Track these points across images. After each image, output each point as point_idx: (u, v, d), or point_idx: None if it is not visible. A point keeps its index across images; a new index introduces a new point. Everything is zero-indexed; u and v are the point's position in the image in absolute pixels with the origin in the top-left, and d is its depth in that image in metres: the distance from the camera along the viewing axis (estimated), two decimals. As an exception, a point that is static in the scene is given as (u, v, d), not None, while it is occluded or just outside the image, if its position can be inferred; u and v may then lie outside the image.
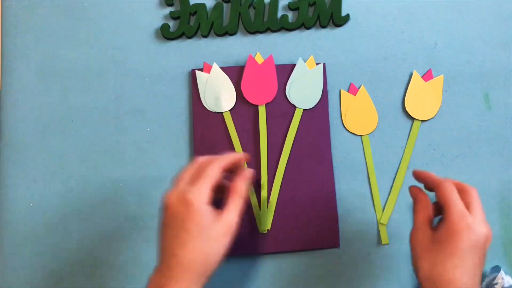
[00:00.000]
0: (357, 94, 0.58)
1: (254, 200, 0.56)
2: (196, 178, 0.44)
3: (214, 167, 0.44)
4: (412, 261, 0.44)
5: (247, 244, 0.56)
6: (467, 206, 0.43)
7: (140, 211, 0.57)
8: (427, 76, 0.58)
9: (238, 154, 0.50)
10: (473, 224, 0.42)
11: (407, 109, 0.57)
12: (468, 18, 0.60)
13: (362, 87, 0.58)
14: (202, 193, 0.43)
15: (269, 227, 0.56)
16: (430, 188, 0.46)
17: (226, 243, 0.43)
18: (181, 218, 0.42)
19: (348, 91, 0.58)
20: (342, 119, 0.58)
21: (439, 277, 0.41)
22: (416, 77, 0.58)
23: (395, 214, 0.57)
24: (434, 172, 0.55)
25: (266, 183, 0.57)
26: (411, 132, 0.57)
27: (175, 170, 0.56)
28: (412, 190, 0.48)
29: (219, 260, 0.44)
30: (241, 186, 0.46)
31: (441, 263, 0.41)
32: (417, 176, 0.48)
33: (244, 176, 0.47)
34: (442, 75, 0.58)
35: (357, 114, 0.58)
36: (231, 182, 0.46)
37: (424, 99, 0.58)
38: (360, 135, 0.58)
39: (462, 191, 0.44)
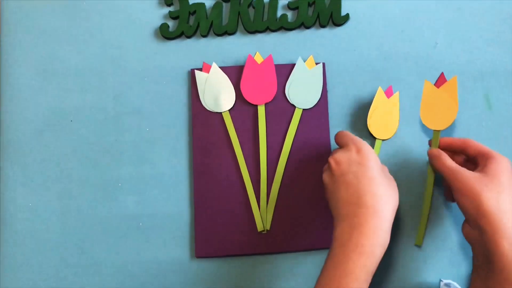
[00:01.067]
0: (390, 98, 0.57)
1: (253, 199, 0.56)
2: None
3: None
4: (462, 198, 0.45)
5: (246, 244, 0.55)
6: None
7: (139, 211, 0.57)
8: (440, 81, 0.54)
9: None
10: None
11: (424, 122, 0.54)
12: (468, 17, 0.59)
13: (397, 93, 0.57)
14: (365, 143, 0.48)
15: (268, 227, 0.55)
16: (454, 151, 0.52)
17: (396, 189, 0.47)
18: (358, 163, 0.46)
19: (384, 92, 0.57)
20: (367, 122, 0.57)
21: (509, 205, 0.44)
22: (428, 86, 0.54)
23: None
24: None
25: (266, 183, 0.56)
26: (433, 142, 0.54)
27: (174, 170, 0.57)
28: (432, 151, 0.51)
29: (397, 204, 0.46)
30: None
31: (506, 193, 0.44)
32: (444, 143, 0.52)
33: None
34: (455, 76, 0.54)
35: (381, 117, 0.57)
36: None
37: (440, 107, 0.54)
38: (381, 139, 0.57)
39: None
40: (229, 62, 0.59)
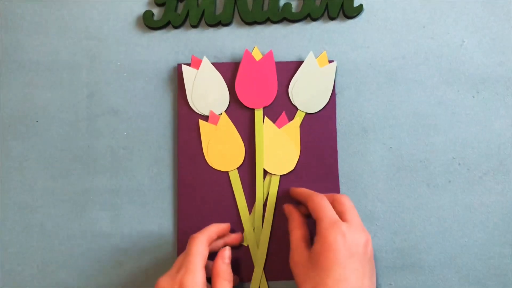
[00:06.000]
0: (286, 125, 0.51)
1: (246, 218, 0.49)
2: (184, 259, 0.42)
3: (200, 243, 0.42)
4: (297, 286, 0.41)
5: (238, 270, 0.48)
6: (341, 215, 0.42)
7: (114, 229, 0.50)
8: (281, 121, 0.50)
9: (221, 225, 0.47)
10: (348, 230, 0.40)
11: (264, 164, 0.49)
12: (501, 12, 0.52)
13: (298, 120, 0.50)
14: (195, 275, 0.40)
15: (263, 251, 0.48)
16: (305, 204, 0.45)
17: None
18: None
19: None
20: None
21: None
22: (268, 125, 0.49)
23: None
24: (460, 190, 0.49)
25: (262, 199, 0.49)
26: (271, 188, 0.49)
27: (155, 182, 0.50)
28: (285, 208, 0.47)
29: None
30: (222, 268, 0.43)
31: (323, 280, 0.39)
32: (292, 193, 0.47)
33: (222, 257, 0.44)
34: (297, 119, 0.50)
35: (275, 150, 0.50)
36: (213, 264, 0.44)
37: (279, 150, 0.49)
38: None
39: (333, 201, 0.43)
40: (223, 58, 0.52)
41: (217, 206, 0.49)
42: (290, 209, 0.46)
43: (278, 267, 0.48)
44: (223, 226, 0.46)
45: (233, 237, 0.48)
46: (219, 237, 0.46)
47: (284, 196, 0.49)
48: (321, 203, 0.42)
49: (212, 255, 0.45)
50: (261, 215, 0.49)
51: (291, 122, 0.49)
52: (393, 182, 0.50)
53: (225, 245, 0.47)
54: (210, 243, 0.44)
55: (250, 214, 0.49)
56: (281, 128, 0.49)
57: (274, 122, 0.50)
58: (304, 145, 0.50)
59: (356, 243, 0.40)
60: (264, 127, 0.49)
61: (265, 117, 0.49)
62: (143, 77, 0.52)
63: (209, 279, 0.43)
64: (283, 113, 0.50)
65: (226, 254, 0.44)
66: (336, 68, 0.51)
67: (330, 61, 0.51)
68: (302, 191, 0.46)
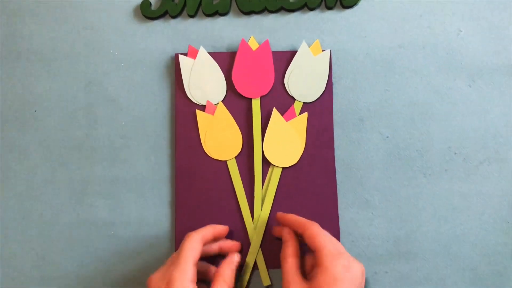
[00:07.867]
0: (292, 120, 0.50)
1: (245, 208, 0.49)
2: (176, 255, 0.42)
3: (193, 240, 0.43)
4: None
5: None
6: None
7: (112, 217, 0.50)
8: (289, 114, 0.50)
9: (218, 226, 0.47)
10: (348, 262, 0.40)
11: (266, 154, 0.49)
12: (497, 1, 0.52)
13: (305, 114, 0.50)
14: (185, 271, 0.40)
15: (260, 239, 0.48)
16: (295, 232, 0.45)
17: None
18: None
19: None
20: None
21: None
22: (276, 116, 0.49)
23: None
24: (456, 179, 0.49)
25: (260, 188, 0.49)
26: (271, 183, 0.49)
27: (153, 171, 0.50)
28: (284, 231, 0.45)
29: None
30: (226, 271, 0.43)
31: None
32: (282, 219, 0.46)
33: (230, 261, 0.45)
34: (306, 113, 0.50)
35: (279, 142, 0.50)
36: (218, 266, 0.44)
37: (285, 142, 0.49)
38: None
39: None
40: (220, 47, 0.52)
41: (215, 195, 0.49)
42: (289, 235, 0.44)
43: (278, 256, 0.49)
44: (220, 228, 0.47)
45: (230, 244, 0.47)
46: (215, 238, 0.46)
47: (284, 188, 0.49)
48: (319, 232, 0.42)
49: (209, 260, 0.46)
50: (260, 204, 0.49)
51: (298, 116, 0.49)
52: (390, 171, 0.50)
53: (220, 250, 0.47)
54: (205, 242, 0.44)
55: (248, 202, 0.49)
56: (288, 122, 0.49)
57: (271, 112, 0.50)
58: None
59: (356, 276, 0.40)
60: (272, 119, 0.49)
61: (274, 109, 0.49)
62: (140, 66, 0.52)
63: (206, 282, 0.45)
64: (292, 107, 0.50)
65: (234, 259, 0.45)
66: (330, 56, 0.51)
67: (323, 50, 0.51)
68: (295, 220, 0.45)
